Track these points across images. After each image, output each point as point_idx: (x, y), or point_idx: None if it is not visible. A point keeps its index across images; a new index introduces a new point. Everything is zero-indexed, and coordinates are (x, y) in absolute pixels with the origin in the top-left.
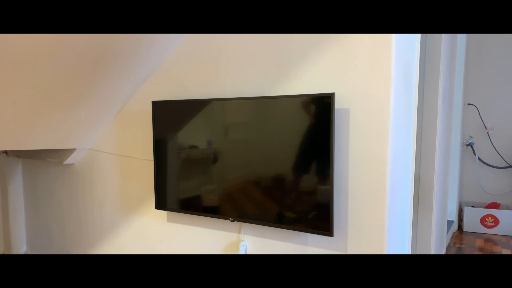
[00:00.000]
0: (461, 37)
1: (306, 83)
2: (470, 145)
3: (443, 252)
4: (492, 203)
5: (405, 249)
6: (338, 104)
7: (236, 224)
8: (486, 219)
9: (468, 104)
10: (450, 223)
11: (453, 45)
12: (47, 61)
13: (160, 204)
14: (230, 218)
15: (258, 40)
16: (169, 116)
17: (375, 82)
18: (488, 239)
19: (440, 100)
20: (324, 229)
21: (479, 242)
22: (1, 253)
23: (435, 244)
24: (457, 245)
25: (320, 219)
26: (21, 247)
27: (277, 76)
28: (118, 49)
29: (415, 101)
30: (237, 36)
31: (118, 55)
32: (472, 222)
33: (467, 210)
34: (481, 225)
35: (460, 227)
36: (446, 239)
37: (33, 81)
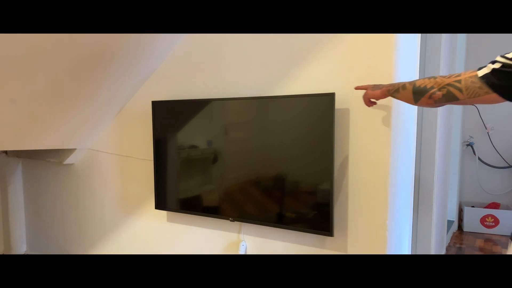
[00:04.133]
0: (461, 37)
1: (306, 83)
2: (470, 145)
3: (443, 252)
4: (492, 203)
5: (405, 249)
6: (338, 104)
7: (236, 224)
8: (486, 219)
9: None
10: (450, 223)
11: (453, 45)
12: (47, 61)
13: (160, 204)
14: (230, 218)
15: (258, 40)
16: (169, 116)
17: (375, 82)
18: (488, 239)
19: None
20: (324, 229)
21: (479, 242)
22: (1, 253)
23: (435, 244)
24: (457, 245)
25: (320, 219)
26: (21, 247)
27: (277, 76)
28: (118, 49)
29: None
30: (237, 36)
31: (118, 55)
32: (472, 222)
33: (467, 210)
34: (481, 225)
35: (460, 227)
36: (446, 239)
37: (33, 81)
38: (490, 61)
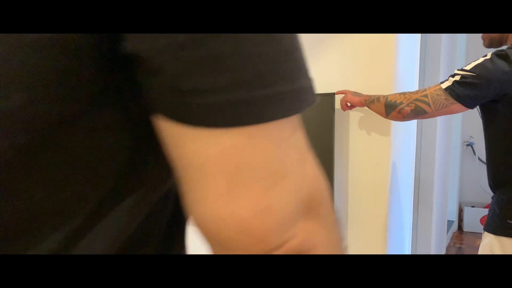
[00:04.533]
0: (461, 37)
1: None
2: (470, 145)
3: (443, 252)
4: None
5: (405, 249)
6: (338, 104)
7: None
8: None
9: None
10: (450, 223)
11: (453, 45)
12: None
13: None
14: None
15: None
16: None
17: (375, 82)
18: None
19: None
20: None
21: (479, 242)
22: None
23: (435, 244)
24: (457, 245)
25: None
26: None
27: None
28: None
29: None
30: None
31: None
32: (472, 222)
33: (467, 210)
34: (481, 225)
35: (460, 227)
36: (446, 239)
37: None
38: (450, 75)
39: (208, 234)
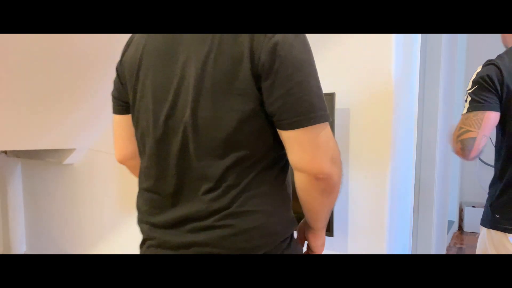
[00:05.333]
0: (461, 37)
1: None
2: None
3: (443, 252)
4: None
5: (405, 249)
6: (338, 104)
7: None
8: None
9: None
10: (450, 223)
11: (453, 45)
12: (47, 60)
13: None
14: None
15: None
16: None
17: (375, 82)
18: None
19: (440, 100)
20: None
21: None
22: (0, 253)
23: (436, 244)
24: (458, 246)
25: None
26: (20, 247)
27: None
28: (118, 48)
29: (415, 100)
30: None
31: (118, 54)
32: (472, 222)
33: (467, 210)
34: None
35: (460, 227)
36: (446, 240)
37: (33, 80)
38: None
39: (308, 173)
